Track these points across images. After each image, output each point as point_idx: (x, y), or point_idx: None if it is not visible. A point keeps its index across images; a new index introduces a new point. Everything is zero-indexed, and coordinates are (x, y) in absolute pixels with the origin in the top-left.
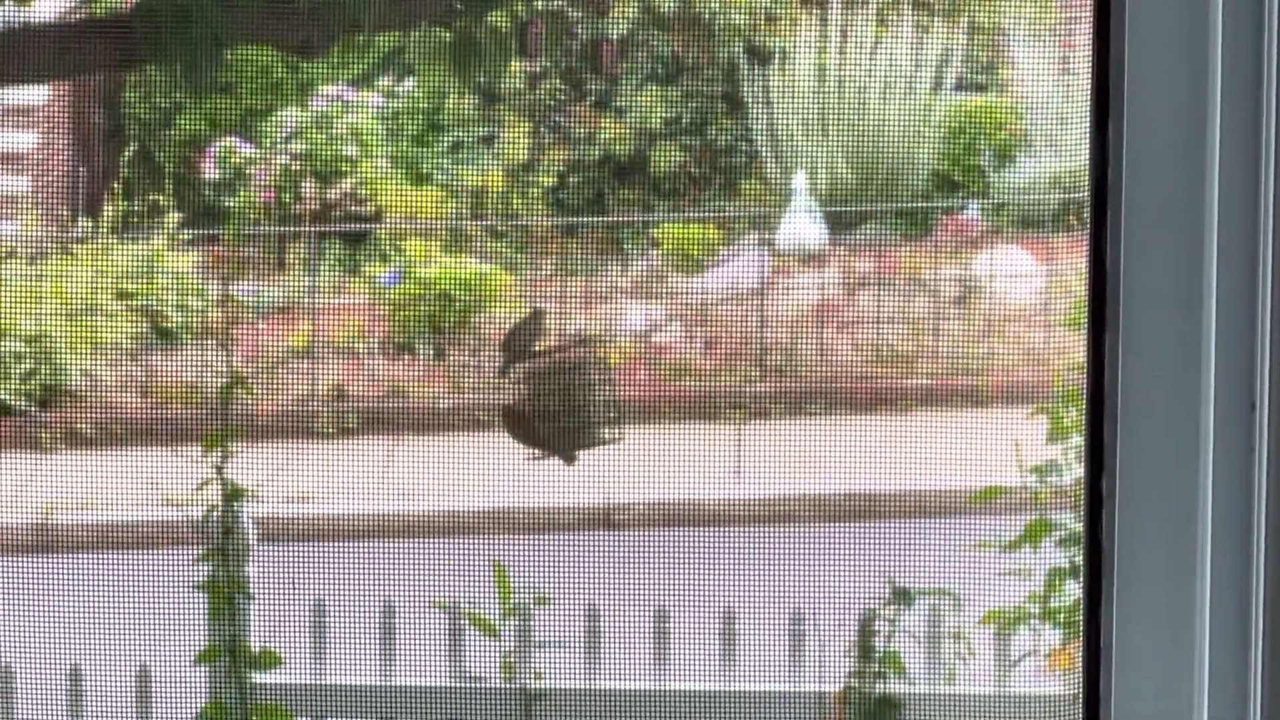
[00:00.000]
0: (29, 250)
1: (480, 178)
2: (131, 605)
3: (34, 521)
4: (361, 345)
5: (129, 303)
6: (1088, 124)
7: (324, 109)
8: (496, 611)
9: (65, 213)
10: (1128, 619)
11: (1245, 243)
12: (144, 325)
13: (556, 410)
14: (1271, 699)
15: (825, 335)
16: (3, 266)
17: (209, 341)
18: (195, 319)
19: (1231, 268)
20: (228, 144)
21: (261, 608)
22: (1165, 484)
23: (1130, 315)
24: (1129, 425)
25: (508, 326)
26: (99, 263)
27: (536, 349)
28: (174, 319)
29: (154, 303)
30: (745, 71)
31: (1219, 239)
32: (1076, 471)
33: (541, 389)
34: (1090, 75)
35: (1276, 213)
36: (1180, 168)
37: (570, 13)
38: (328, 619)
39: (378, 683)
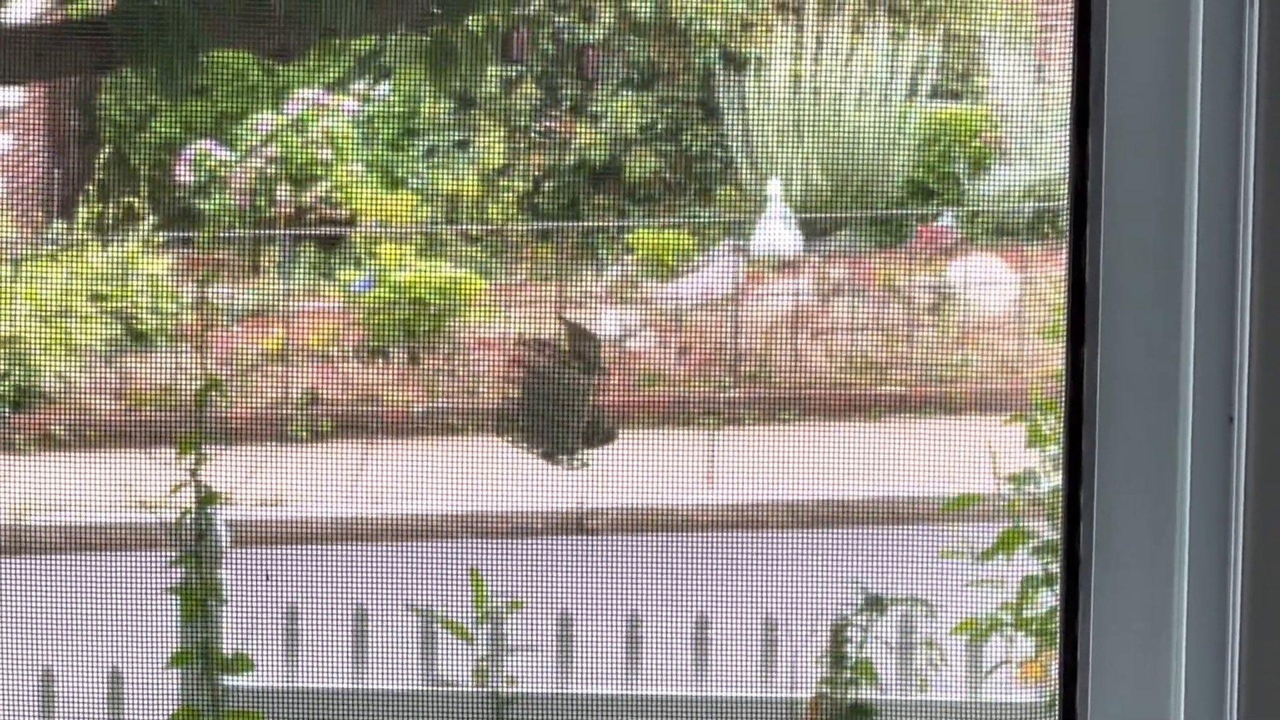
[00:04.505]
0: (2, 253)
1: (455, 183)
2: (104, 608)
3: (6, 523)
4: (335, 350)
5: (103, 305)
6: (1063, 133)
7: (299, 113)
8: (469, 616)
9: (39, 215)
10: (1104, 630)
11: (1225, 254)
12: (118, 328)
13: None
14: (1248, 712)
15: (799, 342)
16: None
17: (183, 345)
18: (169, 322)
19: (1211, 279)
20: (202, 148)
21: (234, 611)
22: (1143, 496)
23: (1108, 327)
24: (1107, 437)
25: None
26: (73, 265)
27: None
28: (148, 322)
29: (128, 306)
30: (720, 78)
31: (1198, 250)
32: (1052, 480)
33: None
34: (1070, 84)
35: (1257, 223)
36: (1160, 177)
37: (555, 19)
38: (300, 623)
39: (350, 687)
